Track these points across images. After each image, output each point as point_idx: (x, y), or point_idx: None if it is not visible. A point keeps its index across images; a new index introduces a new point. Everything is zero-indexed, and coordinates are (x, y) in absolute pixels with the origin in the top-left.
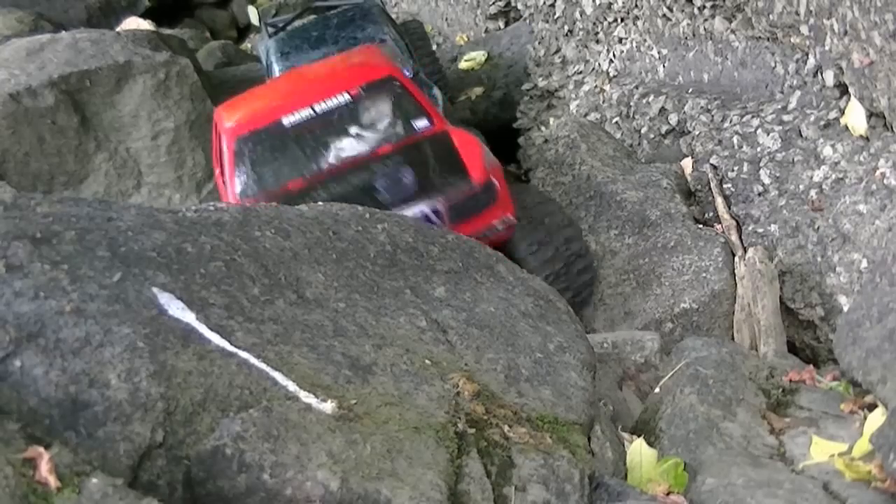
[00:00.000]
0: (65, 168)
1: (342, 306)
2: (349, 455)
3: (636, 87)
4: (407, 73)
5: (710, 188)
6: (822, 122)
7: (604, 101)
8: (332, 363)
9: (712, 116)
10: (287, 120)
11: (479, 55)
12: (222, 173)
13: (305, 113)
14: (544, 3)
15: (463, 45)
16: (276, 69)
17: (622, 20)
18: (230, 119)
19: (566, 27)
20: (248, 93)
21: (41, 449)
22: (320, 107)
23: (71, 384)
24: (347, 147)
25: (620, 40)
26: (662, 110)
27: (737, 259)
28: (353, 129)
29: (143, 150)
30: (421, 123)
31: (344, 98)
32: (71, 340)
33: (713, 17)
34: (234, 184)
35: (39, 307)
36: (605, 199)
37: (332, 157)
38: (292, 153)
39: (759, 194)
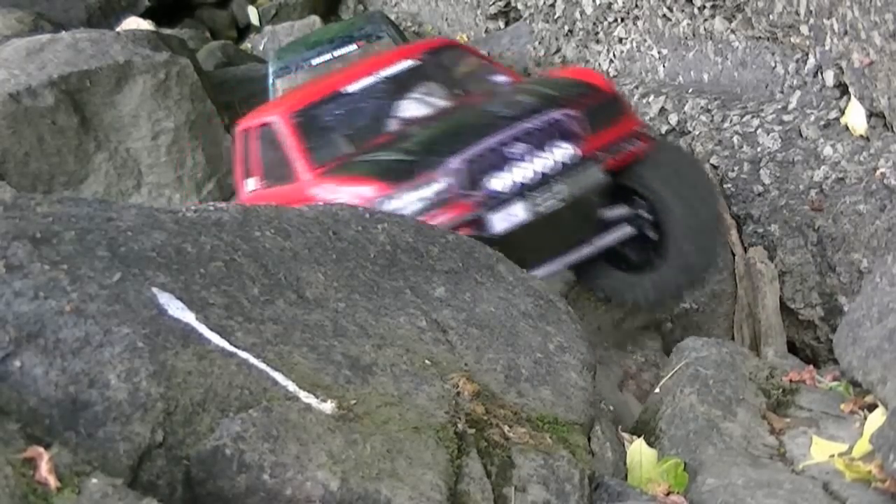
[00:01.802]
0: (65, 168)
1: (342, 306)
2: (349, 455)
3: (636, 87)
4: None
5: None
6: (822, 122)
7: None
8: (332, 363)
9: (712, 116)
10: (348, 89)
11: None
12: (264, 166)
13: (366, 82)
14: (544, 3)
15: None
16: (273, 79)
17: (622, 20)
18: (279, 107)
19: (566, 27)
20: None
21: (41, 449)
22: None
23: (71, 384)
24: (424, 102)
25: (620, 40)
26: (662, 110)
27: (737, 259)
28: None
29: (143, 150)
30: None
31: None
32: (71, 340)
33: (713, 17)
34: (307, 158)
35: (39, 307)
36: None
37: (411, 112)
38: (371, 110)
39: (759, 194)
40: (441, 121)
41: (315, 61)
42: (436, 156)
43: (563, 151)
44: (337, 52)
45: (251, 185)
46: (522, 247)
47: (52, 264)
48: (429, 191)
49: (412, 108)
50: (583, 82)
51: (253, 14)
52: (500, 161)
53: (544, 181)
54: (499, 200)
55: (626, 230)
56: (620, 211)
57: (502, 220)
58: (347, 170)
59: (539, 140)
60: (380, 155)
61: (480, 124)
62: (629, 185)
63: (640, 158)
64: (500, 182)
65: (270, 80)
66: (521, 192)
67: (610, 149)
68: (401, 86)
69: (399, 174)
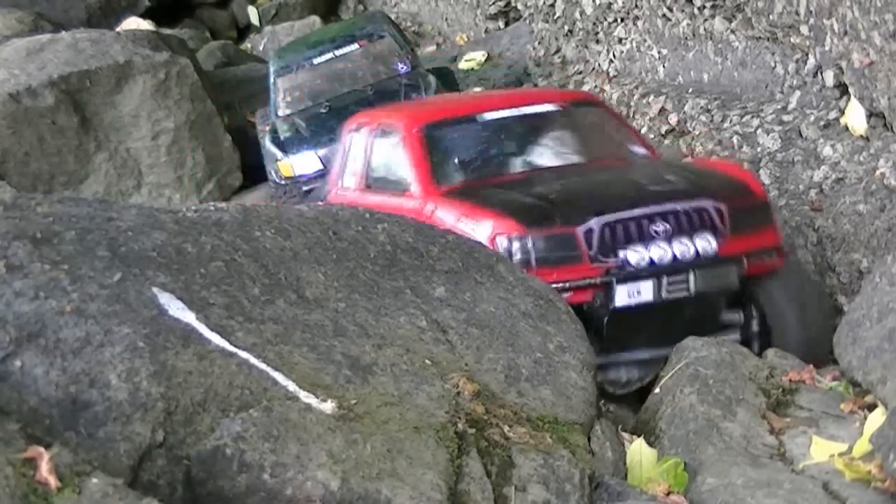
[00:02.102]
0: (65, 168)
1: (342, 306)
2: (349, 455)
3: (636, 87)
4: (404, 67)
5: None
6: (822, 122)
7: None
8: (332, 363)
9: (712, 116)
10: (484, 116)
11: (479, 55)
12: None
13: (505, 113)
14: (544, 3)
15: (463, 45)
16: (274, 77)
17: (622, 20)
18: (409, 117)
19: (566, 27)
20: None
21: (41, 449)
22: (522, 111)
23: (71, 384)
24: (558, 152)
25: (620, 40)
26: (662, 110)
27: None
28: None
29: (143, 150)
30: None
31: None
32: (71, 340)
33: (713, 17)
34: (427, 175)
35: (39, 307)
36: None
37: (544, 159)
38: (502, 145)
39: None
40: (581, 176)
41: (316, 60)
42: (576, 210)
43: (704, 244)
44: (339, 52)
45: (348, 183)
46: (631, 325)
47: (52, 264)
48: (563, 243)
49: (545, 154)
50: (736, 180)
51: (253, 14)
52: (640, 234)
53: (678, 268)
54: (629, 273)
55: (734, 338)
56: (734, 317)
57: (626, 295)
58: (474, 198)
59: (683, 225)
60: (512, 193)
61: (627, 192)
62: (752, 294)
63: (770, 272)
64: (635, 255)
65: (271, 79)
66: (653, 272)
67: (750, 255)
68: (536, 128)
69: (535, 219)
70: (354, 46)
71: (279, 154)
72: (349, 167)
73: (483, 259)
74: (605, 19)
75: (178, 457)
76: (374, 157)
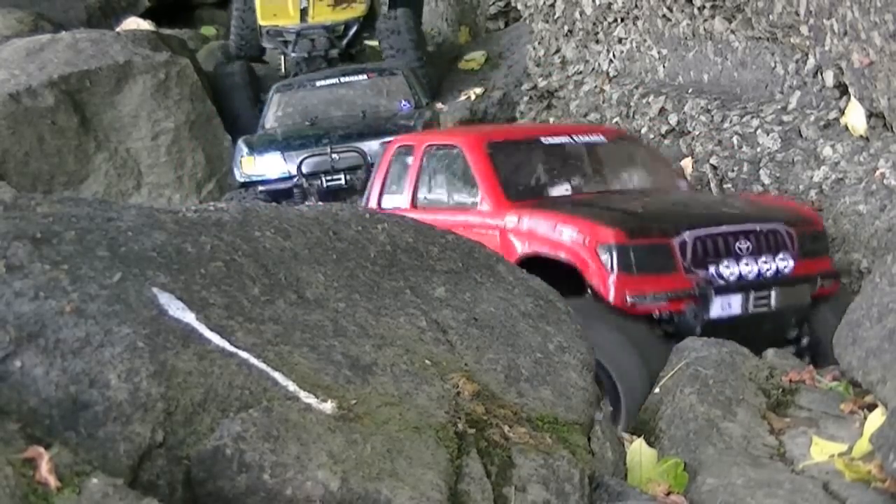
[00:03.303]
0: (65, 168)
1: (342, 306)
2: (349, 455)
3: (636, 87)
4: (406, 106)
5: (710, 188)
6: (822, 122)
7: (604, 102)
8: (332, 363)
9: (712, 116)
10: (542, 140)
11: (479, 55)
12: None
13: (561, 139)
14: (544, 3)
15: (463, 45)
16: (273, 93)
17: (622, 20)
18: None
19: (566, 27)
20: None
21: (41, 449)
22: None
23: (71, 384)
24: (617, 178)
25: (620, 40)
26: (662, 110)
27: None
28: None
29: (143, 150)
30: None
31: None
32: (71, 340)
33: (713, 17)
34: (499, 189)
35: (39, 307)
36: None
37: (605, 183)
38: (567, 166)
39: (759, 194)
40: (653, 197)
41: (320, 83)
42: (670, 223)
43: (783, 262)
44: (344, 79)
45: (390, 205)
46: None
47: (52, 264)
48: (660, 253)
49: (605, 179)
50: (796, 209)
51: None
52: (728, 250)
53: (762, 284)
54: (721, 287)
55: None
56: (794, 333)
57: (719, 307)
58: (562, 209)
59: (763, 244)
60: (596, 208)
61: (709, 211)
62: (809, 314)
63: (826, 295)
64: (726, 270)
65: (270, 93)
66: (742, 286)
67: (816, 277)
68: (591, 156)
69: (635, 228)
70: (362, 77)
71: (245, 150)
72: (390, 189)
73: (483, 259)
74: (605, 19)
75: (178, 457)
76: (423, 177)
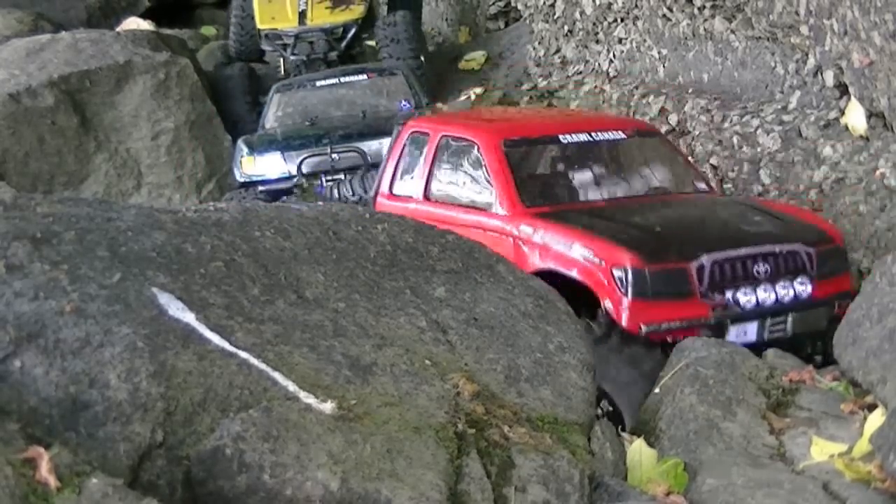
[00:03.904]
0: (65, 168)
1: (342, 306)
2: (349, 455)
3: (636, 87)
4: (407, 106)
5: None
6: (822, 122)
7: (604, 101)
8: (332, 363)
9: (712, 116)
10: (561, 138)
11: (479, 55)
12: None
13: (581, 137)
14: (544, 3)
15: (463, 45)
16: (273, 93)
17: (622, 20)
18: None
19: (566, 27)
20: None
21: (41, 449)
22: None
23: (71, 384)
24: (634, 181)
25: (620, 40)
26: (662, 110)
27: None
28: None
29: (143, 150)
30: (701, 186)
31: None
32: (71, 340)
33: (713, 17)
34: (515, 194)
35: (39, 307)
36: None
37: (622, 188)
38: (584, 169)
39: (759, 194)
40: (672, 209)
41: (320, 83)
42: (688, 246)
43: (801, 287)
44: (345, 79)
45: (401, 192)
46: None
47: (52, 264)
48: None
49: (623, 183)
50: (814, 225)
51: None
52: (745, 274)
53: (779, 310)
54: (737, 314)
55: None
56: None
57: (734, 335)
58: (578, 224)
59: (781, 267)
60: (614, 223)
61: (728, 231)
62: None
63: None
64: (744, 297)
65: (270, 93)
66: (758, 313)
67: (835, 299)
68: (610, 155)
69: (652, 252)
70: (362, 77)
71: (245, 150)
72: (402, 174)
73: (483, 259)
74: (605, 19)
75: (177, 457)
76: (438, 169)
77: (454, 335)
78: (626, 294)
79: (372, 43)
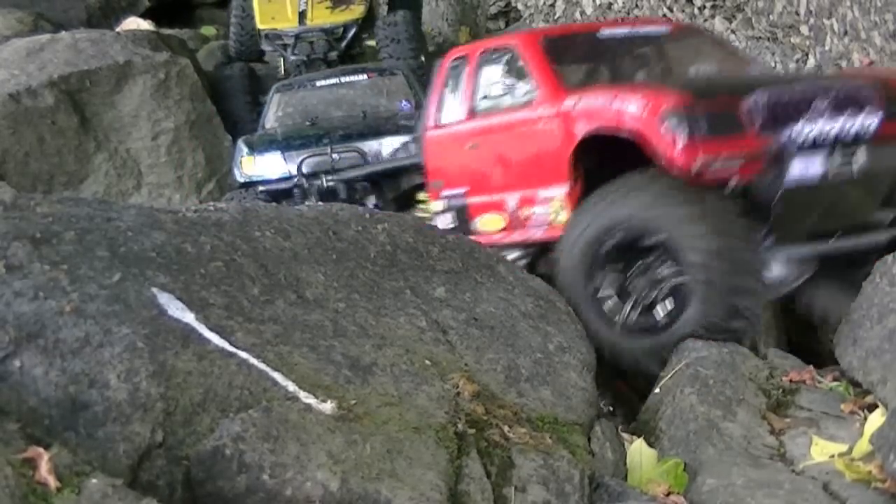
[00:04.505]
0: (65, 168)
1: (342, 306)
2: (349, 455)
3: None
4: (407, 105)
5: None
6: None
7: None
8: (332, 363)
9: None
10: (602, 32)
11: None
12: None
13: (621, 31)
14: (544, 3)
15: (463, 45)
16: (273, 92)
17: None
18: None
19: None
20: None
21: (41, 449)
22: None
23: (71, 384)
24: (684, 67)
25: None
26: None
27: None
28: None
29: (143, 150)
30: None
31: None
32: (71, 340)
33: (713, 16)
34: (553, 77)
35: (39, 307)
36: None
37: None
38: (627, 58)
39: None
40: (727, 73)
41: (320, 83)
42: (738, 85)
43: (868, 120)
44: (345, 79)
45: (447, 119)
46: (795, 210)
47: (52, 264)
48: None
49: (668, 70)
50: (884, 75)
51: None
52: (805, 110)
53: (846, 144)
54: (799, 147)
55: (884, 238)
56: (884, 215)
57: (798, 169)
58: (623, 87)
59: (845, 102)
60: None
61: (782, 78)
62: None
63: None
64: (804, 128)
65: (270, 93)
66: (821, 147)
67: None
68: (656, 49)
69: (700, 92)
70: (362, 77)
71: (245, 150)
72: (447, 103)
73: (483, 259)
74: (606, 19)
75: (177, 457)
76: (481, 84)
77: (454, 335)
78: (677, 135)
79: (372, 43)
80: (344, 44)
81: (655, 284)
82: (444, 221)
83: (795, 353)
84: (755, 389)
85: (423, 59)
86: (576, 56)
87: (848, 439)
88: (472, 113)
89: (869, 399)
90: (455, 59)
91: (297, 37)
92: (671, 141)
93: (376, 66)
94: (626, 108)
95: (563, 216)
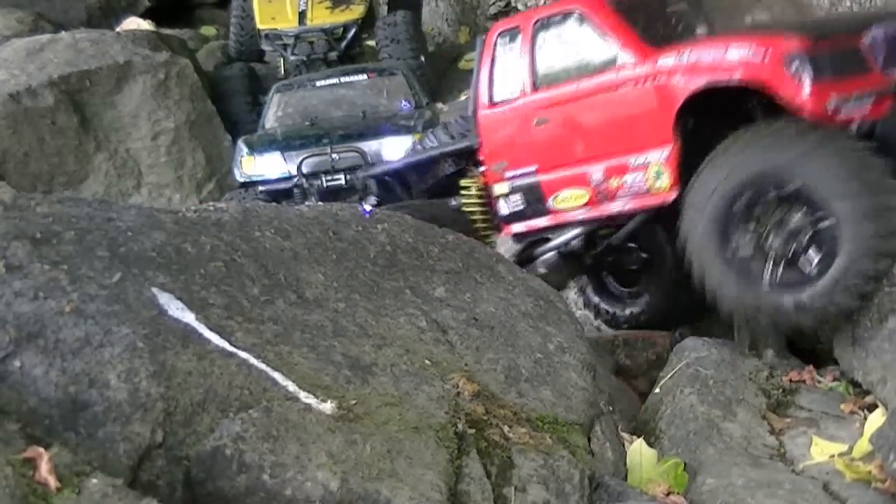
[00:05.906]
0: (65, 168)
1: (342, 306)
2: (349, 455)
3: None
4: (407, 105)
5: None
6: None
7: None
8: (332, 363)
9: None
10: None
11: None
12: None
13: None
14: (544, 2)
15: (463, 45)
16: (273, 92)
17: None
18: None
19: None
20: None
21: (41, 449)
22: None
23: (71, 384)
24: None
25: None
26: None
27: None
28: None
29: (143, 150)
30: None
31: None
32: (71, 340)
33: None
34: (636, 37)
35: (39, 307)
36: None
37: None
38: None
39: None
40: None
41: (320, 83)
42: (851, 24)
43: None
44: (345, 79)
45: (502, 96)
46: None
47: (52, 264)
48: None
49: (750, 17)
50: None
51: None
52: None
53: None
54: None
55: None
56: None
57: None
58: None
59: None
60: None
61: (886, 14)
62: None
63: None
64: None
65: (270, 93)
66: None
67: None
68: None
69: (817, 34)
70: (362, 77)
71: (245, 150)
72: (499, 79)
73: (483, 259)
74: None
75: (177, 457)
76: (541, 55)
77: (454, 335)
78: (803, 79)
79: (372, 43)
80: (344, 44)
81: (793, 237)
82: (510, 204)
83: (795, 353)
84: (755, 389)
85: (423, 59)
86: (645, 14)
87: (848, 439)
88: (535, 86)
89: (869, 399)
90: (502, 32)
91: (297, 37)
92: (800, 84)
93: (376, 66)
94: (743, 57)
95: (664, 181)
